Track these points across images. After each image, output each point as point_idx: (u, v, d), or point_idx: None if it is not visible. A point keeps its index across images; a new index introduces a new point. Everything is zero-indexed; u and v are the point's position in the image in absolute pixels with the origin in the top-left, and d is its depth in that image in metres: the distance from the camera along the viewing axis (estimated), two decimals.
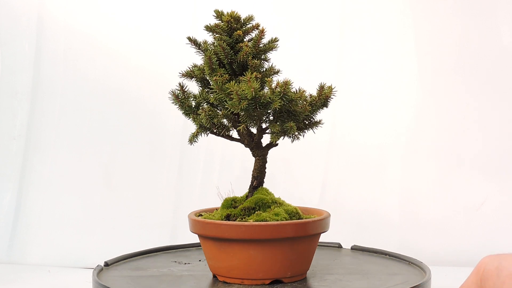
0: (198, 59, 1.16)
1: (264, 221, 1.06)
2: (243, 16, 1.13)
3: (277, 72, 1.13)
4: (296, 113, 1.08)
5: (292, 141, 1.12)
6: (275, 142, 1.10)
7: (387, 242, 1.62)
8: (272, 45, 1.12)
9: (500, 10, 1.69)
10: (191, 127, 1.16)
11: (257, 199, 1.11)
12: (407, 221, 1.70)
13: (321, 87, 1.11)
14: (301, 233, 1.06)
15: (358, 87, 1.75)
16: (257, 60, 1.10)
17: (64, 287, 1.49)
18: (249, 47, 1.09)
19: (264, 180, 1.16)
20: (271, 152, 1.17)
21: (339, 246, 1.40)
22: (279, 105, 1.03)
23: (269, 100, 1.03)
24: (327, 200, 1.72)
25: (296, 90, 1.07)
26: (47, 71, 1.77)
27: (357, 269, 1.20)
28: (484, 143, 1.70)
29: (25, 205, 1.75)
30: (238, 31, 1.10)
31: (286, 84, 1.03)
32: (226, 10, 1.13)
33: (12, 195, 1.75)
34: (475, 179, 1.70)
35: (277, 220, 1.07)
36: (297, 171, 1.75)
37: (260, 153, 1.14)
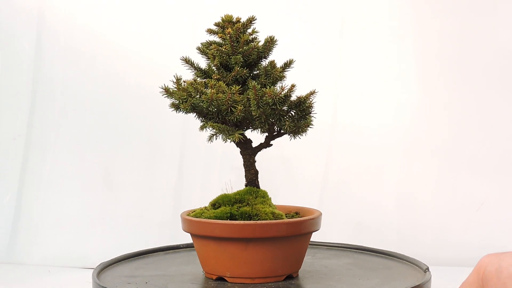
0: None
1: (195, 217, 1.11)
2: (244, 19, 1.14)
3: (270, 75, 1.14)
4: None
5: (225, 141, 1.10)
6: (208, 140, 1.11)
7: (387, 242, 1.62)
8: (251, 45, 1.13)
9: (499, 9, 1.69)
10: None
11: (221, 196, 1.14)
12: (407, 221, 1.70)
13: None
14: (228, 235, 1.05)
15: (358, 87, 1.75)
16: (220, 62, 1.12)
17: (64, 287, 1.49)
18: (213, 49, 1.11)
19: (258, 178, 1.16)
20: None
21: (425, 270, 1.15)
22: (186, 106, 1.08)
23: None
24: (327, 199, 1.72)
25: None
26: (47, 71, 1.77)
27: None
28: (484, 143, 1.70)
29: (25, 205, 1.75)
30: (220, 33, 1.12)
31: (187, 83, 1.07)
32: (227, 12, 1.14)
33: (12, 195, 1.75)
34: (475, 179, 1.70)
35: (208, 218, 1.10)
36: (297, 171, 1.75)
37: (242, 152, 1.15)
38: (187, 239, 1.36)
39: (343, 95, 1.73)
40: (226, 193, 1.14)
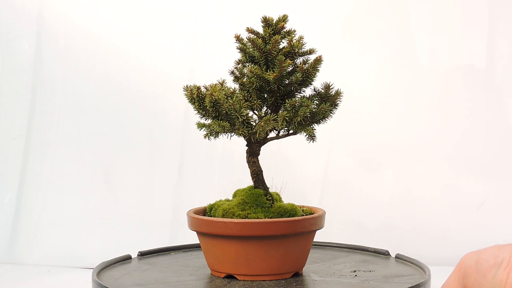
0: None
1: (196, 213, 1.16)
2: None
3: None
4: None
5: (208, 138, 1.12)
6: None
7: (387, 242, 1.62)
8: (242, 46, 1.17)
9: (500, 13, 1.69)
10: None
11: (236, 191, 1.19)
12: (407, 221, 1.70)
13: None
14: (230, 233, 1.07)
15: (358, 87, 1.75)
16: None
17: (64, 287, 1.49)
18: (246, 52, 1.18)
19: (257, 178, 1.17)
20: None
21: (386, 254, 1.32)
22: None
23: None
24: (327, 199, 1.72)
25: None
26: (47, 71, 1.77)
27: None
28: (484, 142, 1.70)
29: (25, 205, 1.75)
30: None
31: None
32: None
33: (12, 195, 1.75)
34: (475, 179, 1.70)
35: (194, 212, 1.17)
36: (298, 170, 1.75)
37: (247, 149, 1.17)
38: (187, 239, 1.37)
39: (343, 95, 1.73)
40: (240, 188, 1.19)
